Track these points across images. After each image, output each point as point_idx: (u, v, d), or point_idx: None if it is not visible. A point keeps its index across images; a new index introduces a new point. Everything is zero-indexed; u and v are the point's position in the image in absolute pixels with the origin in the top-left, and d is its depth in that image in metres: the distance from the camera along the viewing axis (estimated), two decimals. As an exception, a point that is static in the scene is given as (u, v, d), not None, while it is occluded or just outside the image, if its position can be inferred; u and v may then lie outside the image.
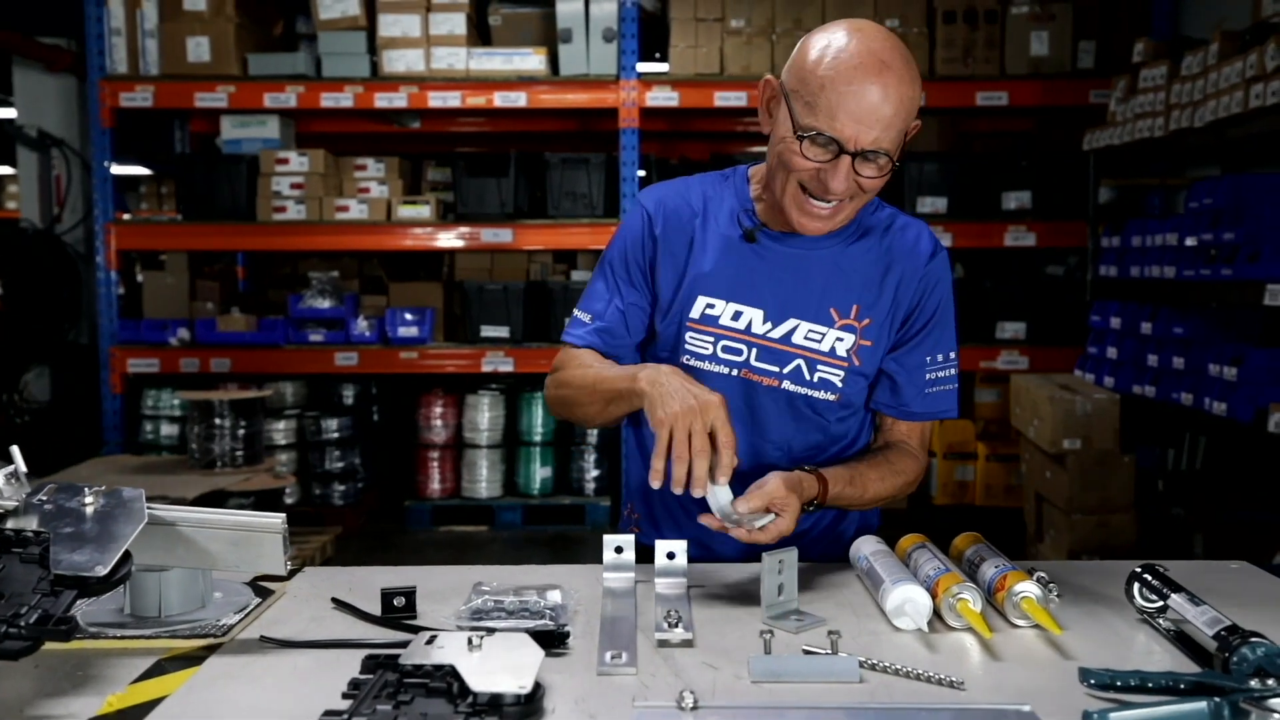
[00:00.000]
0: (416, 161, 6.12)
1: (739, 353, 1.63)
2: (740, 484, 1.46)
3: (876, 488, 1.61)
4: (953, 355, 1.69)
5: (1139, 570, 1.38)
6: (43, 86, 6.01)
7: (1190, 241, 3.75)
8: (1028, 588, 1.34)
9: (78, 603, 1.18)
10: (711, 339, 1.63)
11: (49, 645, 1.14)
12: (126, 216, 6.82)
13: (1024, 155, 5.54)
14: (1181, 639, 1.28)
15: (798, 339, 1.62)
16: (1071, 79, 5.37)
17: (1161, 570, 1.37)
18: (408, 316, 5.54)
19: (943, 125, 5.73)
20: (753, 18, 5.38)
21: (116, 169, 5.71)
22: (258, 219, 5.44)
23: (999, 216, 5.39)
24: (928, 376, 1.66)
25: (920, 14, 5.37)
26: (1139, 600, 1.37)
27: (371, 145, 6.34)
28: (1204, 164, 4.80)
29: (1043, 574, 1.37)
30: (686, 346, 1.64)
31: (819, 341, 1.62)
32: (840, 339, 1.62)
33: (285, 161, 5.43)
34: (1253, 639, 1.13)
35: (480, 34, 5.58)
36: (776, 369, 1.62)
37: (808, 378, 1.62)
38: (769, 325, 1.62)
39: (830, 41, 1.46)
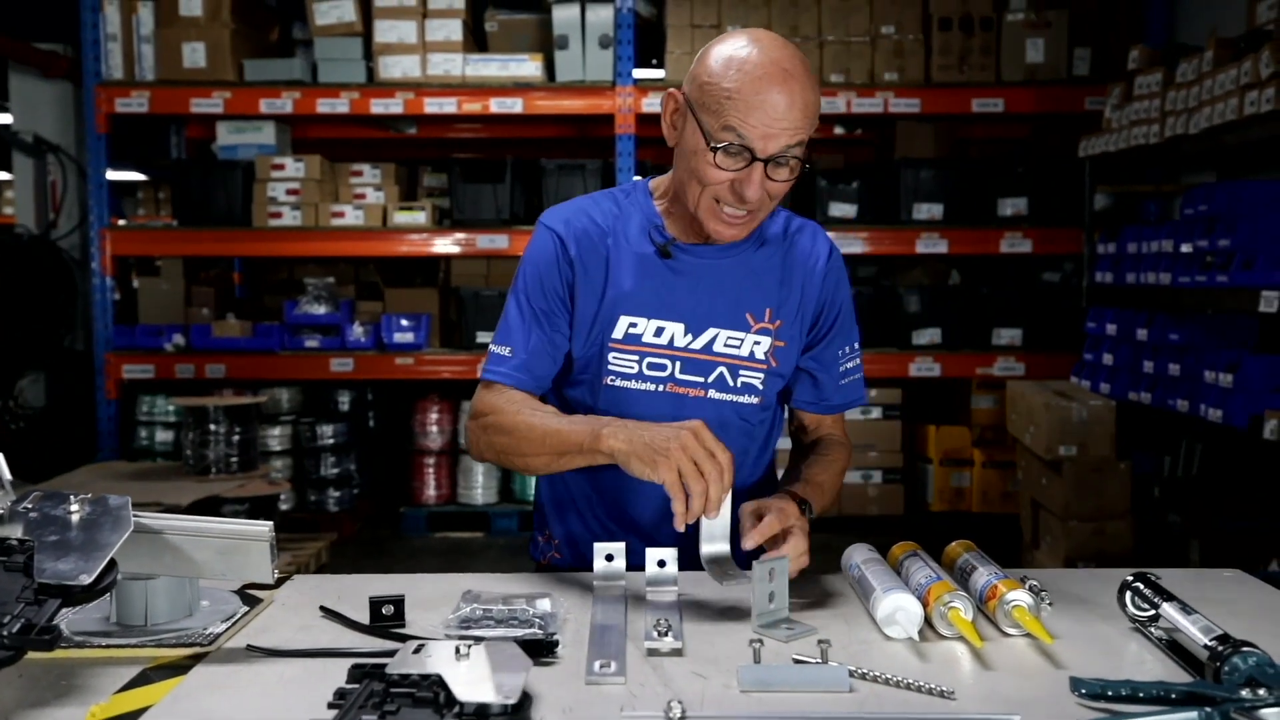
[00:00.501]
0: (413, 167, 6.12)
1: (663, 368, 1.64)
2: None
3: (832, 484, 1.69)
4: (857, 346, 1.77)
5: (1130, 579, 1.38)
6: (39, 92, 6.00)
7: (1186, 248, 3.76)
8: (1019, 596, 1.33)
9: (63, 611, 1.17)
10: (636, 357, 1.64)
11: (33, 655, 1.14)
12: (122, 222, 6.82)
13: (1020, 162, 5.54)
14: (1173, 648, 1.27)
15: (718, 347, 1.65)
16: (1067, 86, 5.37)
17: (1153, 579, 1.37)
18: (403, 322, 5.53)
19: (939, 132, 5.72)
20: (748, 25, 5.37)
21: (112, 175, 5.71)
22: (253, 225, 5.43)
23: (995, 223, 5.40)
24: (841, 369, 1.74)
25: (916, 21, 5.38)
26: (1131, 609, 1.36)
27: (368, 151, 6.34)
28: (1199, 170, 4.81)
29: (1034, 582, 1.37)
30: (610, 367, 1.64)
31: (738, 347, 1.65)
32: (758, 342, 1.66)
33: (281, 167, 5.42)
34: (1244, 648, 1.12)
35: (476, 40, 5.58)
36: (701, 379, 1.65)
37: (731, 384, 1.66)
38: (690, 337, 1.64)
39: (732, 53, 1.49)
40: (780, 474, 1.77)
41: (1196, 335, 3.83)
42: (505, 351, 1.65)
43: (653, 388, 1.64)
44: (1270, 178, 4.26)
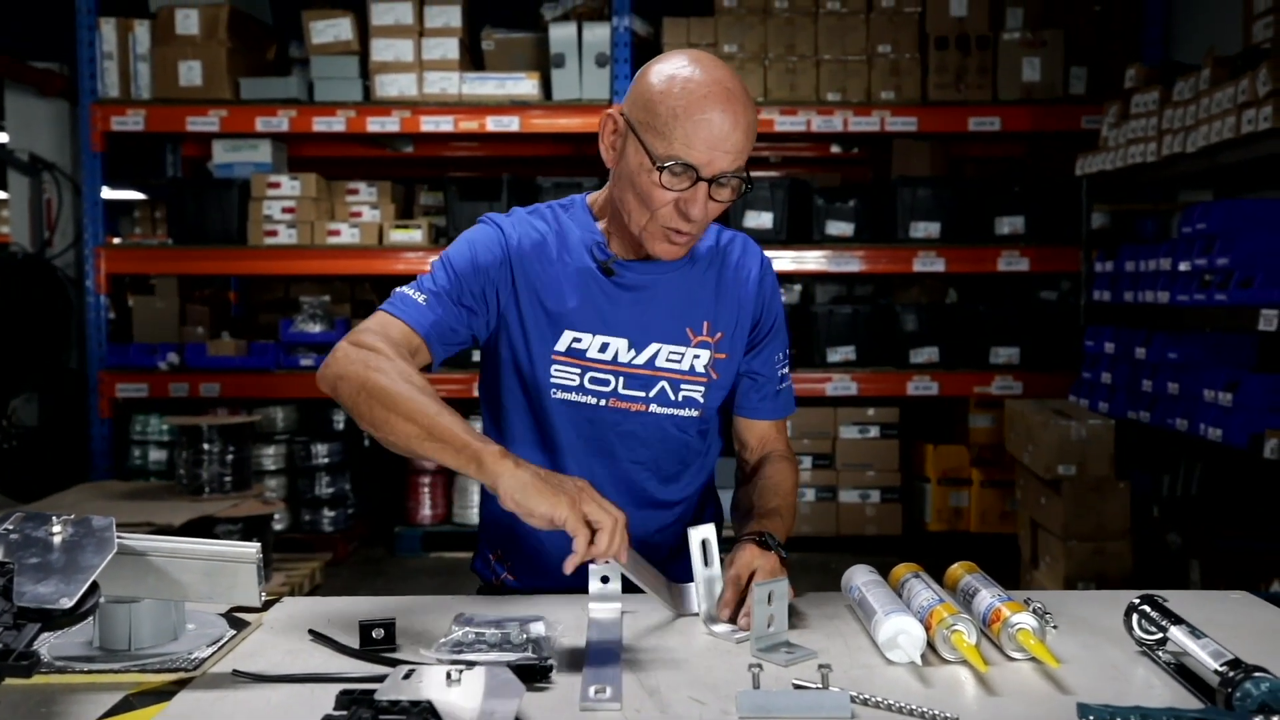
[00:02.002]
0: (409, 186, 6.11)
1: (606, 383, 1.64)
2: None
3: (787, 507, 1.66)
4: (787, 354, 1.79)
5: (1137, 601, 1.35)
6: (35, 110, 5.99)
7: (1184, 266, 3.75)
8: (1024, 619, 1.31)
9: (44, 635, 1.14)
10: (578, 371, 1.63)
11: (11, 681, 1.11)
12: (117, 241, 6.80)
13: (1017, 180, 5.54)
14: (1183, 672, 1.24)
15: (660, 362, 1.65)
16: (1063, 104, 5.38)
17: (1161, 601, 1.34)
18: (399, 341, 5.49)
19: (935, 150, 5.72)
20: (745, 43, 5.39)
21: (108, 193, 5.69)
22: (249, 243, 5.41)
23: (992, 241, 5.39)
24: (779, 374, 1.76)
25: (912, 40, 5.39)
26: (1138, 632, 1.34)
27: (364, 169, 6.33)
28: (1196, 189, 4.81)
29: (1039, 605, 1.34)
30: (552, 380, 1.63)
31: (679, 361, 1.66)
32: (698, 356, 1.67)
33: (277, 185, 5.41)
34: (1256, 674, 1.10)
35: (473, 59, 5.59)
36: (643, 394, 1.65)
37: (672, 398, 1.66)
38: (633, 353, 1.64)
39: (674, 73, 1.49)
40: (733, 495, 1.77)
41: (1195, 354, 3.81)
42: (419, 297, 1.57)
43: (595, 401, 1.64)
44: (1268, 196, 4.26)
